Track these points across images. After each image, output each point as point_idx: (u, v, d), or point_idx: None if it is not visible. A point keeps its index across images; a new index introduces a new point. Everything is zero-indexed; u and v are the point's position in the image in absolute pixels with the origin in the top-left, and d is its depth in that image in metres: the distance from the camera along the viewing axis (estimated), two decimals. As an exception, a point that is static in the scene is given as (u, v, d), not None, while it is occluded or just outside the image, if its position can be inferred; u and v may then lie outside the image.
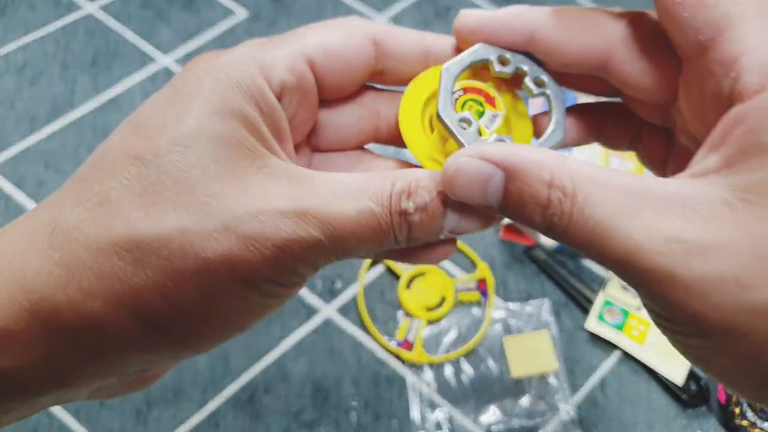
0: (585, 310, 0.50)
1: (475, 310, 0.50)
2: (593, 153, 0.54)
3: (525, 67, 0.20)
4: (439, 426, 0.45)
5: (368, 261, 0.51)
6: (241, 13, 0.66)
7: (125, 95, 0.59)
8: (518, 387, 0.47)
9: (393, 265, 0.51)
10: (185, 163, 0.17)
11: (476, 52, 0.20)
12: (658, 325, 0.18)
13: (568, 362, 0.48)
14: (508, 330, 0.49)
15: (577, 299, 0.50)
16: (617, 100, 0.22)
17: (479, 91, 0.20)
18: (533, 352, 0.48)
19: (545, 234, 0.18)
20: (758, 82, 0.16)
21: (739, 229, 0.15)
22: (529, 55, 0.20)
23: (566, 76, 0.21)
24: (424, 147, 0.20)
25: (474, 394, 0.46)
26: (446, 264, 0.52)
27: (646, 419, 0.46)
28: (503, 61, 0.20)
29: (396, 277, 0.51)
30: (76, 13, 0.65)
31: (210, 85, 0.18)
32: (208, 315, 0.18)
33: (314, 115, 0.22)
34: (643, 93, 0.20)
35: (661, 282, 0.16)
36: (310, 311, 0.49)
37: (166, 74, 0.61)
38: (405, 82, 0.21)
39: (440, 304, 0.50)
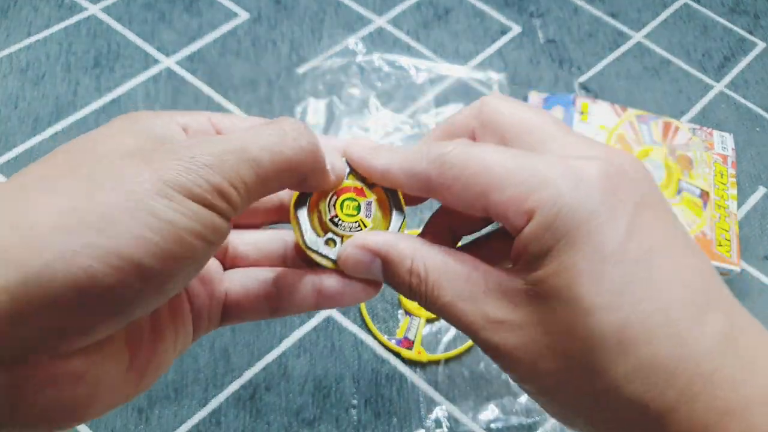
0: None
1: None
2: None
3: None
4: (438, 423, 0.45)
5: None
6: (242, 15, 0.67)
7: (128, 96, 0.60)
8: (516, 385, 0.47)
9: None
10: (95, 147, 0.20)
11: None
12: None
13: (567, 361, 0.48)
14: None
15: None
16: None
17: (349, 189, 0.25)
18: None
19: (408, 297, 0.24)
20: (520, 221, 0.21)
21: (533, 313, 0.21)
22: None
23: None
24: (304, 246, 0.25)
25: (473, 392, 0.47)
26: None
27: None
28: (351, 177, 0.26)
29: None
30: (78, 15, 0.65)
31: (127, 117, 0.22)
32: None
33: None
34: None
35: (491, 351, 0.22)
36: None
37: (169, 75, 0.62)
38: None
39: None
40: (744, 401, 0.19)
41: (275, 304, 0.25)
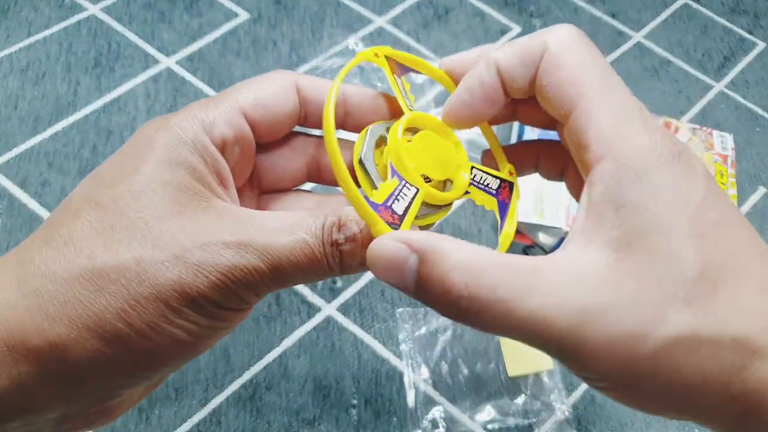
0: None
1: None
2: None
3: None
4: (435, 424, 0.45)
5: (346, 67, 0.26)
6: (243, 15, 0.67)
7: (128, 96, 0.60)
8: (514, 386, 0.47)
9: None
10: (139, 205, 0.20)
11: (373, 132, 0.25)
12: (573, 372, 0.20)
13: (566, 361, 0.48)
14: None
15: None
16: (553, 137, 0.27)
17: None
18: (529, 352, 0.48)
19: (455, 319, 0.20)
20: (599, 153, 0.20)
21: (622, 289, 0.18)
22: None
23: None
24: (355, 190, 0.22)
25: (470, 393, 0.47)
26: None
27: (643, 417, 0.47)
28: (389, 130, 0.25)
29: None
30: (78, 15, 0.65)
31: (160, 141, 0.22)
32: (163, 337, 0.20)
33: (252, 160, 0.25)
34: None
35: (571, 346, 0.18)
36: (312, 310, 0.50)
37: (169, 75, 0.62)
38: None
39: (445, 185, 0.26)
40: None
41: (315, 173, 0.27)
